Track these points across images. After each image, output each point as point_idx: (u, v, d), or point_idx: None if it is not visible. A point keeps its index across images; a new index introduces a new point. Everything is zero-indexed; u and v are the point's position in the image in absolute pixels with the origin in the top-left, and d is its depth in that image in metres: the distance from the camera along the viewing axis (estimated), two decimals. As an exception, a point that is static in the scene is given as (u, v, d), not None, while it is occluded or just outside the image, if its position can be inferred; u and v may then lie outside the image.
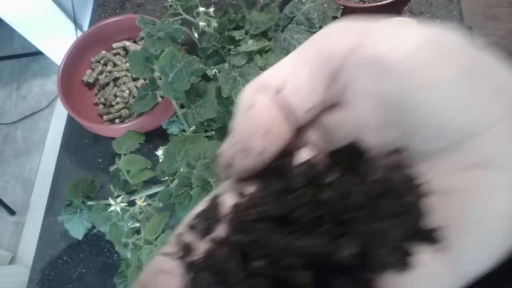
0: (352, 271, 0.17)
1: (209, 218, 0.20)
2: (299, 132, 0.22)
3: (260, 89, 0.20)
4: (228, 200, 0.21)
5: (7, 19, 1.35)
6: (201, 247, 0.19)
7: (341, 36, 0.19)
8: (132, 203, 0.54)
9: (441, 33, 0.18)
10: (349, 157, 0.20)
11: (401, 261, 0.17)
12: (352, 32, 0.19)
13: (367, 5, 0.68)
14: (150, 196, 0.59)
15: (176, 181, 0.51)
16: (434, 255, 0.17)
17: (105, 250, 0.71)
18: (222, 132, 0.58)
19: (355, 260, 0.17)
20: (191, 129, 0.61)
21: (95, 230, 0.72)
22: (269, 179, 0.20)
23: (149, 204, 0.51)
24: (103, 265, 0.70)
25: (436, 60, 0.17)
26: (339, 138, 0.21)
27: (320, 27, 0.62)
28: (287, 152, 0.21)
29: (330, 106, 0.21)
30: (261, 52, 0.59)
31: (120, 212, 0.51)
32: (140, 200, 0.51)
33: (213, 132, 0.61)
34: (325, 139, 0.21)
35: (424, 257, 0.17)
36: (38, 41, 1.51)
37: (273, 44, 0.63)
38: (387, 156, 0.19)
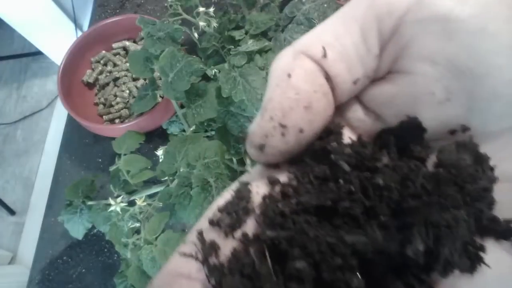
0: (413, 273, 0.14)
1: (235, 211, 0.16)
2: (342, 108, 0.18)
3: (301, 54, 0.16)
4: (258, 190, 0.17)
5: (7, 19, 1.35)
6: (227, 246, 0.16)
7: None
8: (132, 203, 0.54)
9: None
10: (405, 137, 0.16)
11: (471, 260, 0.14)
12: None
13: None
14: (150, 196, 0.59)
15: (176, 181, 0.51)
16: (508, 252, 0.14)
17: (105, 250, 0.71)
18: (222, 132, 0.58)
19: (420, 260, 0.13)
20: (191, 129, 0.61)
21: (95, 230, 0.72)
22: (308, 163, 0.17)
23: (149, 204, 0.51)
24: (103, 265, 0.70)
25: None
26: (389, 115, 0.17)
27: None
28: (328, 132, 0.17)
29: (381, 76, 0.17)
30: (261, 52, 0.59)
31: (120, 212, 0.51)
32: (140, 200, 0.51)
33: (213, 132, 0.61)
34: (372, 117, 0.18)
35: (495, 255, 0.14)
36: (38, 41, 1.51)
37: (273, 44, 0.63)
38: (450, 135, 0.16)
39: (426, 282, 0.14)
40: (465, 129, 0.16)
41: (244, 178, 0.18)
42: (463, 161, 0.15)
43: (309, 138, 0.16)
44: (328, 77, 0.16)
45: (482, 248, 0.14)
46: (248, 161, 0.58)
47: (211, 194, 0.46)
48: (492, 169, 0.15)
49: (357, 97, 0.18)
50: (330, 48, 0.16)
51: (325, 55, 0.16)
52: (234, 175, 0.60)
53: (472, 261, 0.14)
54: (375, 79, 0.17)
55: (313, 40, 0.16)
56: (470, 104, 0.15)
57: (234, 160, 0.58)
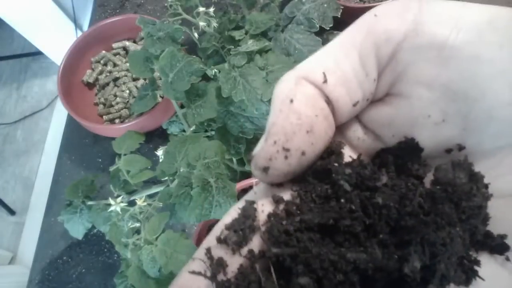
0: (411, 287, 0.14)
1: (241, 229, 0.17)
2: (343, 128, 0.19)
3: (302, 80, 0.17)
4: (263, 208, 0.18)
5: (7, 19, 1.35)
6: (234, 263, 0.17)
7: (395, 16, 0.16)
8: (132, 203, 0.54)
9: (506, 12, 0.15)
10: (403, 156, 0.17)
11: (466, 273, 0.15)
12: (407, 11, 0.16)
13: (367, 5, 0.68)
14: (150, 196, 0.59)
15: (176, 181, 0.51)
16: (502, 266, 0.15)
17: (105, 250, 0.71)
18: (222, 132, 0.58)
19: (417, 277, 0.14)
20: (191, 129, 0.61)
21: (95, 230, 0.72)
22: (311, 182, 0.17)
23: (149, 204, 0.51)
24: (103, 265, 0.70)
25: (505, 44, 0.15)
26: (388, 135, 0.18)
27: (320, 27, 0.62)
28: (329, 152, 0.18)
29: (379, 98, 0.18)
30: (261, 52, 0.59)
31: (120, 212, 0.51)
32: (140, 200, 0.51)
33: (213, 132, 0.61)
34: (372, 136, 0.19)
35: (491, 269, 0.15)
36: (38, 41, 1.51)
37: (273, 44, 0.63)
38: (446, 154, 0.17)
39: None
40: (461, 148, 0.17)
41: (249, 196, 0.19)
42: (458, 180, 0.16)
43: (311, 159, 0.17)
44: (328, 101, 0.17)
45: (477, 262, 0.15)
46: (248, 162, 0.58)
47: (211, 194, 0.46)
48: (486, 186, 0.16)
49: (357, 117, 0.19)
50: (330, 73, 0.16)
51: (325, 80, 0.16)
52: (234, 175, 0.60)
53: (467, 274, 0.15)
54: (374, 100, 0.18)
55: (313, 65, 0.17)
56: (466, 125, 0.16)
57: (234, 160, 0.58)
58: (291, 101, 0.16)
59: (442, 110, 0.16)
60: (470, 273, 0.15)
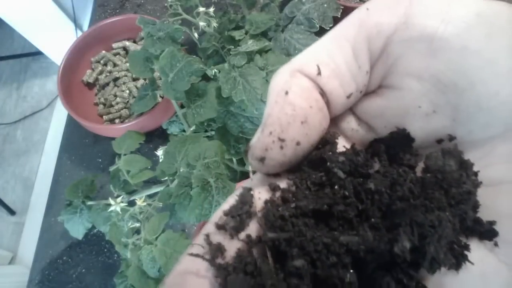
0: (402, 269, 0.15)
1: (239, 215, 0.17)
2: (337, 119, 0.20)
3: (297, 72, 0.17)
4: (260, 195, 0.18)
5: (7, 19, 1.35)
6: (232, 247, 0.17)
7: (386, 9, 0.17)
8: (132, 203, 0.54)
9: (493, 5, 0.16)
10: (394, 146, 0.18)
11: (456, 258, 0.15)
12: (398, 5, 0.17)
13: (367, 5, 0.68)
14: (150, 196, 0.59)
15: (176, 181, 0.51)
16: (491, 251, 0.16)
17: (105, 250, 0.71)
18: (222, 132, 0.58)
19: (407, 257, 0.15)
20: (191, 129, 0.61)
21: (95, 230, 0.72)
22: (306, 171, 0.18)
23: (149, 204, 0.51)
24: (103, 265, 0.70)
25: (492, 36, 0.15)
26: (380, 126, 0.19)
27: (320, 27, 0.62)
28: (324, 142, 0.18)
29: (372, 90, 0.19)
30: (261, 52, 0.59)
31: (120, 212, 0.51)
32: (140, 200, 0.51)
33: (213, 132, 0.61)
34: (365, 127, 0.19)
35: (479, 254, 0.16)
36: (38, 41, 1.51)
37: (273, 44, 0.63)
38: (437, 144, 0.17)
39: (414, 278, 0.15)
40: (451, 138, 0.17)
41: (246, 184, 0.19)
42: (448, 167, 0.16)
43: (306, 149, 0.18)
44: (323, 93, 0.17)
45: (466, 247, 0.15)
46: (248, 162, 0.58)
47: (211, 194, 0.46)
48: (476, 174, 0.16)
49: (351, 109, 0.19)
50: (324, 66, 0.17)
51: (319, 73, 0.17)
52: (234, 175, 0.60)
53: (457, 258, 0.15)
54: (367, 93, 0.19)
55: (308, 58, 0.17)
56: (456, 115, 0.16)
57: (234, 160, 0.58)
58: (286, 93, 0.17)
59: (433, 101, 0.17)
60: (460, 258, 0.15)
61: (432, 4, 0.16)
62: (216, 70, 0.59)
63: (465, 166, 0.16)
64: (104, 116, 0.79)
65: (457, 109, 0.16)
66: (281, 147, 0.17)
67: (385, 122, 0.18)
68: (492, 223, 0.16)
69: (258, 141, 0.17)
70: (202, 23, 0.62)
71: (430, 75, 0.16)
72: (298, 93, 0.17)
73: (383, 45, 0.17)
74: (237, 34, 0.62)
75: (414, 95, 0.17)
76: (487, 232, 0.16)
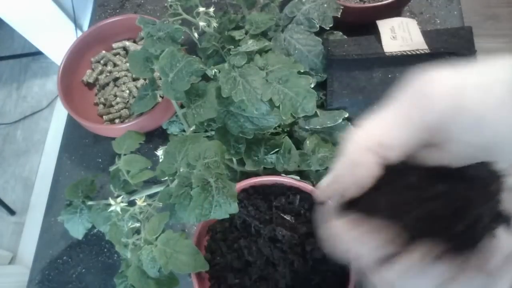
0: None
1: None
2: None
3: (367, 149, 0.23)
4: None
5: (7, 19, 1.35)
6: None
7: (442, 92, 0.21)
8: (132, 203, 0.54)
9: None
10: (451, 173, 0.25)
11: (490, 233, 0.23)
12: (449, 87, 0.21)
13: (367, 5, 0.68)
14: (150, 196, 0.59)
15: (176, 181, 0.51)
16: (509, 232, 0.23)
17: (105, 250, 0.71)
18: (222, 132, 0.58)
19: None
20: (191, 129, 0.61)
21: (95, 230, 0.72)
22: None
23: (149, 204, 0.51)
24: (103, 265, 0.70)
25: None
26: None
27: (320, 27, 0.62)
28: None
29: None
30: (261, 52, 0.59)
31: (120, 212, 0.51)
32: (140, 200, 0.51)
33: (213, 132, 0.61)
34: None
35: (503, 234, 0.23)
36: (38, 41, 1.51)
37: (273, 44, 0.63)
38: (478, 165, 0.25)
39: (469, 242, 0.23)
40: (486, 165, 0.24)
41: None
42: (482, 173, 0.24)
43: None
44: (381, 163, 0.24)
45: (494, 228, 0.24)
46: (248, 162, 0.58)
47: (211, 194, 0.46)
48: (500, 177, 0.24)
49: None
50: (385, 140, 0.23)
51: (382, 146, 0.23)
52: (234, 175, 0.60)
53: (489, 234, 0.23)
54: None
55: (374, 134, 0.23)
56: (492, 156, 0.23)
57: (234, 160, 0.58)
58: (355, 165, 0.23)
59: (472, 155, 0.23)
60: (492, 235, 0.23)
61: (478, 87, 0.21)
62: (216, 70, 0.59)
63: (495, 172, 0.23)
64: (104, 116, 0.79)
65: (490, 154, 0.23)
66: (340, 198, 0.25)
67: (433, 163, 0.25)
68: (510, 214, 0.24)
69: (326, 187, 0.25)
70: (202, 23, 0.62)
71: (474, 145, 0.22)
72: (364, 169, 0.23)
73: (436, 124, 0.22)
74: (237, 34, 0.62)
75: (461, 154, 0.23)
76: (508, 220, 0.23)
